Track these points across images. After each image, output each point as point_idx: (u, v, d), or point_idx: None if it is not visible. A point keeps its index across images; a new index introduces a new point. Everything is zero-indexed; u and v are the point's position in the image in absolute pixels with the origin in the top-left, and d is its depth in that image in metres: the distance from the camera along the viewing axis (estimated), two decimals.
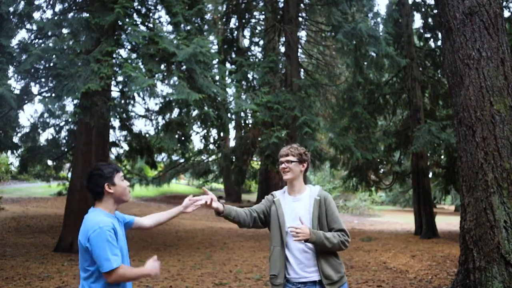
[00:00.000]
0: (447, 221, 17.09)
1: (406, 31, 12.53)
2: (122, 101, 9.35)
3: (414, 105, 12.06)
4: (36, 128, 11.62)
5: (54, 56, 7.44)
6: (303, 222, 2.53)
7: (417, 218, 12.13)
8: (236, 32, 14.39)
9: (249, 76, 12.64)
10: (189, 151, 14.84)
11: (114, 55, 8.30)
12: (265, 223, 2.74)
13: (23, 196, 19.52)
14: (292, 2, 12.38)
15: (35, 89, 13.90)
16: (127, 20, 8.05)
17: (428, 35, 14.09)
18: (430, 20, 13.74)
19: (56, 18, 8.33)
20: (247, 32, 16.17)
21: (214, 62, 9.11)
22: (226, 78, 11.41)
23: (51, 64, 7.58)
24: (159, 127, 10.12)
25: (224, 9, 16.16)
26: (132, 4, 8.02)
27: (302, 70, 14.34)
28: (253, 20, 16.72)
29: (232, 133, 17.64)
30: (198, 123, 11.51)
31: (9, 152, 11.05)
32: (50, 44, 7.63)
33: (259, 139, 12.00)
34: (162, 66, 8.28)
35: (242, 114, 12.51)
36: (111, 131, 10.76)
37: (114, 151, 11.91)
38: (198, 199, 2.57)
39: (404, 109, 14.38)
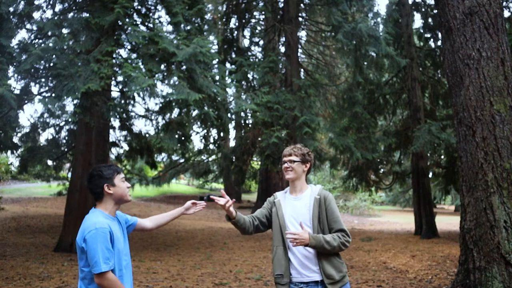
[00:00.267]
0: (447, 221, 17.09)
1: (406, 31, 12.53)
2: (122, 101, 9.35)
3: (414, 105, 12.06)
4: (36, 128, 11.61)
5: (54, 56, 7.44)
6: (303, 226, 2.53)
7: (417, 218, 12.13)
8: (236, 32, 14.40)
9: (249, 76, 12.66)
10: (189, 151, 14.87)
11: (114, 55, 8.30)
12: (268, 226, 2.77)
13: (23, 196, 19.51)
14: (292, 2, 12.39)
15: (35, 89, 13.89)
16: (127, 20, 8.06)
17: (428, 35, 14.09)
18: (430, 20, 13.74)
19: (56, 18, 8.31)
20: (247, 32, 16.21)
21: (214, 62, 9.11)
22: (226, 78, 11.40)
23: (51, 64, 7.57)
24: (159, 127, 10.11)
25: (224, 9, 16.19)
26: (132, 4, 8.02)
27: (302, 70, 14.34)
28: (253, 20, 16.74)
29: (232, 133, 17.69)
30: (198, 123, 11.51)
31: (9, 152, 11.03)
32: (50, 44, 7.62)
33: (259, 139, 12.01)
34: (162, 66, 8.28)
35: (242, 114, 12.53)
36: (111, 131, 10.76)
37: (114, 151, 11.92)
38: (202, 203, 2.70)
39: (404, 109, 14.39)
